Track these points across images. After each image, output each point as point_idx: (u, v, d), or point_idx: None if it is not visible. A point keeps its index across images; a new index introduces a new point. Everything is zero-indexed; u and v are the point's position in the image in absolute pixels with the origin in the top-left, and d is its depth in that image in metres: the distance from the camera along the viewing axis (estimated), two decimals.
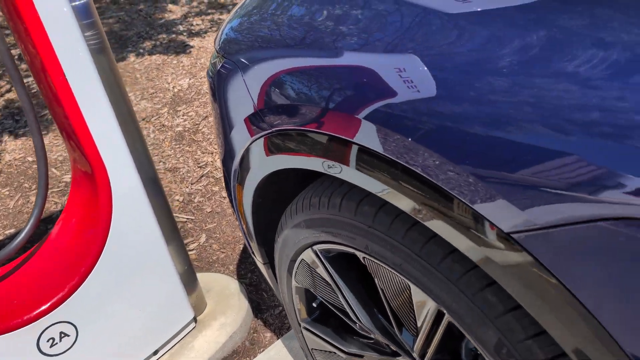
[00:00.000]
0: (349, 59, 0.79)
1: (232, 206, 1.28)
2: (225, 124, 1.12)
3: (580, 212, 0.54)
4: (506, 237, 0.62)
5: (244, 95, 1.01)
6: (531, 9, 0.64)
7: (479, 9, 0.67)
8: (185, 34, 4.26)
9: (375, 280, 0.94)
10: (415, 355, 0.95)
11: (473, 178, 0.62)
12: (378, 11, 0.80)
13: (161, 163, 2.71)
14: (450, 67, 0.66)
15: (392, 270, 0.87)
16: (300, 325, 1.29)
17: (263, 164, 1.04)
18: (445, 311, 0.81)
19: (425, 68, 0.68)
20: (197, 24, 4.44)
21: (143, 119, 3.11)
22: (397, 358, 1.06)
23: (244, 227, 1.28)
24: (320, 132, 0.84)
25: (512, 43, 0.62)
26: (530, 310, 0.64)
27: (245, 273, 2.00)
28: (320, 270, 1.07)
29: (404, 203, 0.75)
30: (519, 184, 0.59)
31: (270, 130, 0.96)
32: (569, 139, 0.55)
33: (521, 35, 0.62)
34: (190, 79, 3.52)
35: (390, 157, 0.72)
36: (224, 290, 1.88)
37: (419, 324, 0.89)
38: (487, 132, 0.61)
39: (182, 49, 3.99)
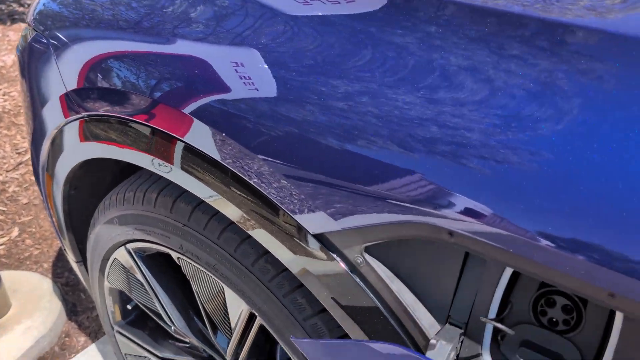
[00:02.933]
0: (183, 48, 0.74)
1: (42, 196, 1.15)
2: (36, 100, 0.99)
3: (382, 216, 0.56)
4: (315, 240, 0.62)
5: (57, 73, 0.91)
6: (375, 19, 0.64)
7: (319, 13, 0.66)
8: (15, 4, 3.82)
9: (190, 281, 0.90)
10: (228, 358, 0.92)
11: (289, 183, 0.61)
12: (224, 5, 0.75)
13: None
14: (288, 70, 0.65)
15: (207, 272, 0.83)
16: (113, 328, 1.20)
17: (77, 150, 0.94)
18: (256, 313, 0.79)
19: (266, 66, 0.65)
20: None
21: None
22: None
23: (54, 219, 1.15)
24: (144, 124, 0.77)
25: (346, 50, 0.63)
26: (334, 314, 0.65)
27: (62, 272, 1.82)
28: (134, 270, 0.99)
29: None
30: (331, 190, 0.59)
31: (88, 114, 0.87)
32: (369, 148, 0.56)
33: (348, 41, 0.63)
34: (16, 56, 3.16)
35: (215, 158, 0.68)
36: (34, 291, 1.70)
37: (232, 327, 0.86)
38: (302, 135, 0.60)
39: (10, 21, 3.57)
